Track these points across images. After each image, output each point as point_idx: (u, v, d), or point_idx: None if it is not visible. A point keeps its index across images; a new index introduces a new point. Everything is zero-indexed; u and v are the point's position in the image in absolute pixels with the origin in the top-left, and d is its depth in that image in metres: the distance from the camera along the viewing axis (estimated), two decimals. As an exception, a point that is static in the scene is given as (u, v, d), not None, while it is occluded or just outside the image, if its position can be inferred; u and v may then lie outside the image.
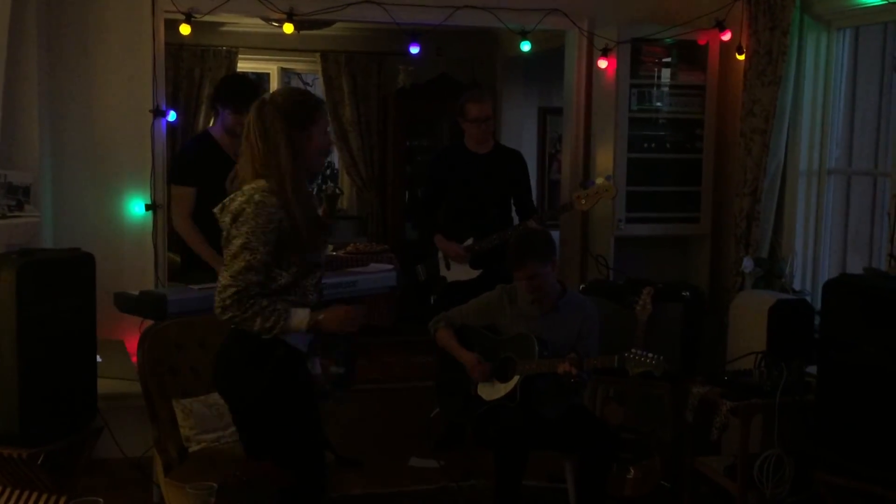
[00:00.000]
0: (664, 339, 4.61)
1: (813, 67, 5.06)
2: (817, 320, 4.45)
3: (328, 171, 10.04)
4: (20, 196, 4.52)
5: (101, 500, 2.66)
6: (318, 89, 8.95)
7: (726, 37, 5.48)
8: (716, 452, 4.54)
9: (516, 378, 4.08)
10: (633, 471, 4.48)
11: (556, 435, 4.09)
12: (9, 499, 3.69)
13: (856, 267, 5.06)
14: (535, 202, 5.46)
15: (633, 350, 3.90)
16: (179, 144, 7.51)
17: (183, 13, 5.17)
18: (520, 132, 8.48)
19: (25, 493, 3.70)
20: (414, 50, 5.50)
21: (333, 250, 8.05)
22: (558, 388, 4.06)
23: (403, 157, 8.69)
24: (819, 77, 5.08)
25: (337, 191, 9.03)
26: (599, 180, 5.02)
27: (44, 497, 3.69)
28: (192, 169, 4.79)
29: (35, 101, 4.83)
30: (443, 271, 5.18)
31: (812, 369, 4.09)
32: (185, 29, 5.21)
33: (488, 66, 8.63)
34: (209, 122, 8.06)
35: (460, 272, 5.09)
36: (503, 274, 4.81)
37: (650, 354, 3.85)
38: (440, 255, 5.16)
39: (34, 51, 4.81)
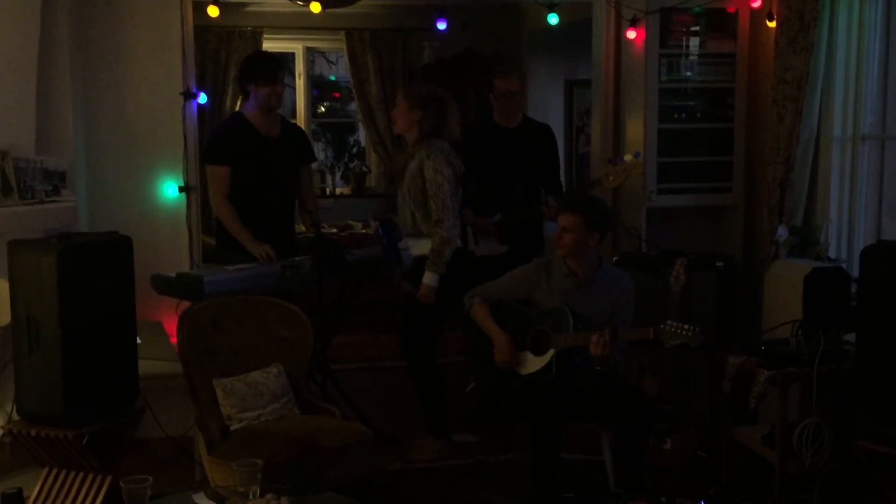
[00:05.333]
0: (699, 310, 4.61)
1: (846, 33, 5.00)
2: (854, 288, 4.42)
3: (355, 150, 10.07)
4: (56, 181, 4.57)
5: (150, 478, 2.70)
6: (343, 67, 8.96)
7: (756, 4, 5.42)
8: (752, 422, 4.53)
9: (551, 351, 4.08)
10: (669, 441, 4.50)
11: (591, 408, 4.10)
12: (56, 478, 3.77)
13: (891, 233, 5.02)
14: (562, 177, 5.43)
15: (668, 322, 3.89)
16: (209, 126, 7.55)
17: (210, -6, 5.19)
18: (546, 105, 8.44)
19: (72, 474, 3.77)
20: (441, 26, 5.48)
21: (363, 228, 8.09)
22: (594, 361, 4.06)
23: (430, 134, 8.65)
24: (852, 42, 5.02)
25: (364, 168, 9.05)
26: (628, 157, 4.99)
27: (90, 477, 3.76)
28: (225, 148, 4.81)
29: (69, 88, 4.87)
30: (471, 246, 5.18)
31: (850, 337, 4.07)
32: (213, 11, 5.22)
33: (514, 39, 8.58)
34: (236, 104, 8.09)
35: (488, 248, 5.09)
36: (531, 250, 4.81)
37: (686, 326, 3.84)
38: (469, 230, 5.15)
39: (66, 38, 4.85)
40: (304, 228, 5.10)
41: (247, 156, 4.77)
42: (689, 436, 4.53)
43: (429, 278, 4.45)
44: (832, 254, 5.05)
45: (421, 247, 4.54)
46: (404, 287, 4.58)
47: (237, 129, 4.84)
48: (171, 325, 4.63)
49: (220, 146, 4.86)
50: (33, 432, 3.68)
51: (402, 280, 4.77)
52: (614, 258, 5.27)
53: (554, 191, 5.16)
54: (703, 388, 4.82)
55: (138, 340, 4.14)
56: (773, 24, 5.25)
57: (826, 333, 4.12)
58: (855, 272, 4.48)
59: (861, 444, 3.68)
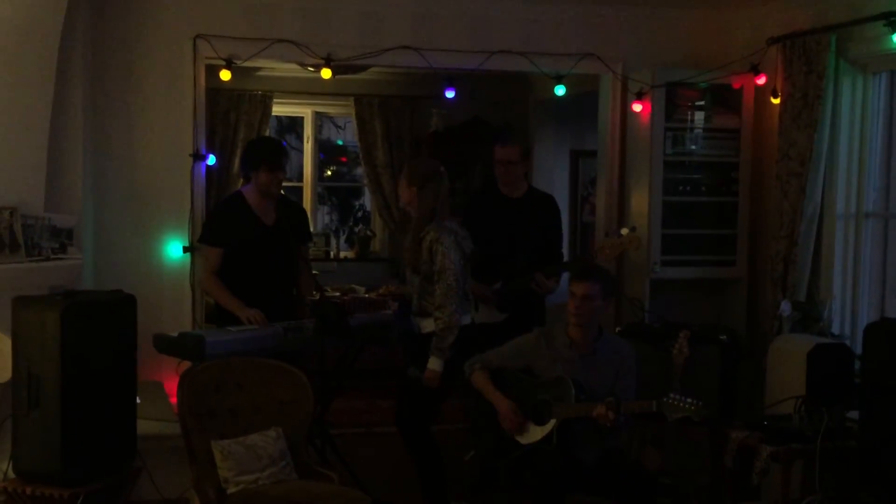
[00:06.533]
0: (701, 383, 4.57)
1: (849, 111, 5.06)
2: (857, 365, 4.41)
3: (360, 214, 10.14)
4: (63, 238, 4.60)
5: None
6: (351, 132, 9.07)
7: (761, 81, 5.50)
8: (754, 498, 4.48)
9: (553, 422, 4.06)
10: (670, 516, 4.44)
11: (593, 479, 4.06)
12: (49, 539, 3.72)
13: (895, 310, 5.01)
14: (565, 246, 5.44)
15: (671, 395, 3.88)
16: (216, 188, 7.61)
17: (223, 59, 5.27)
18: (552, 175, 8.50)
19: (66, 534, 3.73)
20: (450, 94, 5.57)
21: (366, 292, 8.09)
22: (595, 431, 4.04)
23: (436, 200, 8.69)
24: (855, 120, 5.08)
25: (369, 233, 9.09)
26: (624, 231, 5.01)
27: (83, 538, 3.72)
28: (221, 231, 4.81)
29: (79, 146, 4.94)
30: (472, 313, 5.17)
31: (853, 414, 4.05)
32: (225, 75, 5.31)
33: (521, 109, 8.68)
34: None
35: (488, 315, 5.07)
36: (531, 319, 4.81)
37: (689, 399, 3.82)
38: (470, 296, 5.15)
39: (79, 97, 4.93)
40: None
41: (243, 240, 4.78)
42: (690, 511, 4.48)
43: (433, 363, 4.43)
44: (835, 330, 5.04)
45: (428, 325, 4.53)
46: (410, 373, 4.54)
47: (235, 213, 4.84)
48: (171, 385, 4.61)
49: (216, 229, 4.85)
50: (28, 491, 3.66)
51: (403, 347, 4.78)
52: (617, 329, 5.26)
53: (553, 261, 5.16)
54: (705, 462, 4.78)
55: (138, 400, 4.13)
56: (777, 101, 5.32)
57: (829, 410, 4.10)
58: (858, 349, 4.47)
59: (865, 524, 3.65)
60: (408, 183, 4.57)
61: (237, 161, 8.17)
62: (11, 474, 3.79)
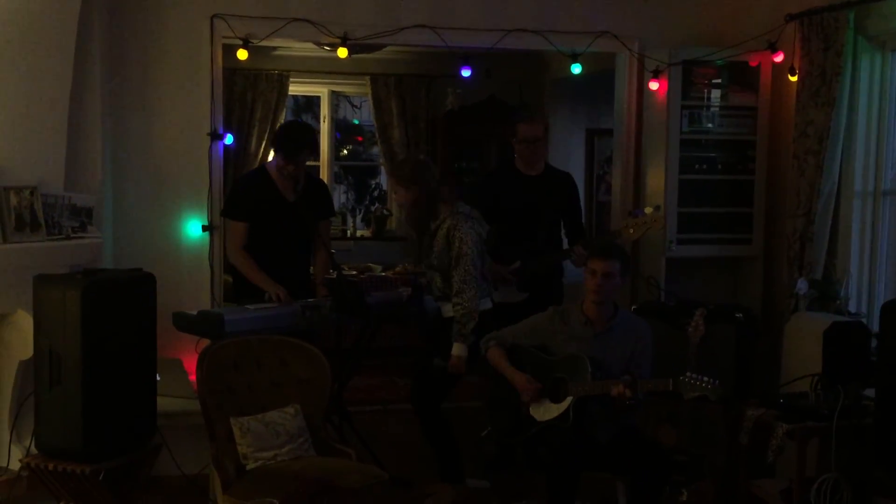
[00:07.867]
0: (717, 361, 4.58)
1: (867, 88, 5.02)
2: (874, 343, 4.40)
3: (376, 193, 10.15)
4: (83, 217, 4.63)
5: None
6: (367, 111, 9.07)
7: (778, 58, 5.46)
8: (770, 475, 4.49)
9: (569, 399, 4.08)
10: (685, 493, 4.45)
11: (608, 457, 4.09)
12: (71, 514, 3.78)
13: (912, 289, 5.00)
14: (583, 225, 5.45)
15: (688, 374, 3.89)
16: (233, 167, 7.63)
17: (240, 39, 5.28)
18: (567, 153, 8.48)
19: (88, 509, 3.79)
20: (466, 73, 5.56)
21: (383, 271, 8.12)
22: (611, 409, 4.06)
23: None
24: (874, 98, 5.04)
25: (385, 212, 9.10)
26: (648, 210, 5.01)
27: (105, 512, 3.78)
28: (244, 205, 4.85)
29: (98, 126, 4.96)
30: (490, 293, 5.19)
31: (870, 392, 4.04)
32: (242, 54, 5.31)
33: (536, 88, 8.66)
34: (261, 145, 8.21)
35: (507, 295, 5.08)
36: (550, 298, 4.82)
37: (706, 379, 3.84)
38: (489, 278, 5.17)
39: (98, 77, 4.95)
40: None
41: (265, 214, 4.81)
42: (705, 487, 4.49)
43: (458, 349, 4.47)
44: (852, 308, 5.03)
45: (450, 310, 4.56)
46: (436, 363, 4.56)
47: (258, 187, 4.88)
48: (190, 363, 4.66)
49: (239, 203, 4.90)
50: (51, 466, 3.71)
51: (420, 327, 4.82)
52: (633, 307, 5.27)
53: (577, 237, 5.18)
54: (721, 439, 4.79)
55: (158, 377, 4.18)
56: (794, 79, 5.28)
57: (845, 388, 4.10)
58: (875, 327, 4.46)
59: (880, 502, 3.65)
60: (405, 185, 4.57)
61: (254, 140, 8.22)
62: (34, 450, 3.85)
